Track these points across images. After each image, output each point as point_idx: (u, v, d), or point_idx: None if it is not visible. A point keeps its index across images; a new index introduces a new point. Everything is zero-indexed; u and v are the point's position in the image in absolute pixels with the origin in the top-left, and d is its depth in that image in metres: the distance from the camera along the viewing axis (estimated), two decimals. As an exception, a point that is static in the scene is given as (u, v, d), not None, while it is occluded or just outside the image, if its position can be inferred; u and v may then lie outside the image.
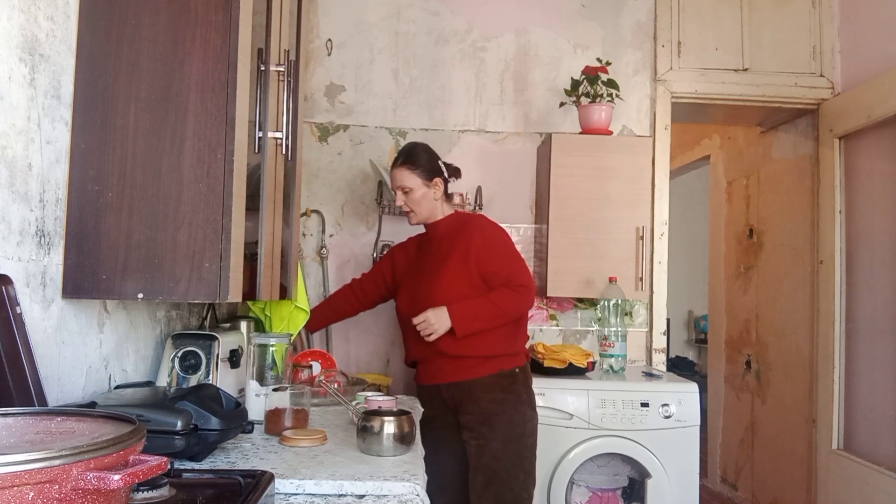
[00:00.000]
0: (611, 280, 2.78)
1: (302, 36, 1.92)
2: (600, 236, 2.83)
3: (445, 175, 2.30)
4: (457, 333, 2.09)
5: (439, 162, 2.30)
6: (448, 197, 2.35)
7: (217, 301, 1.29)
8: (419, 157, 2.26)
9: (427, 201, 2.26)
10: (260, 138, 1.52)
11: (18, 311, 1.11)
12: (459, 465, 2.18)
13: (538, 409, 2.27)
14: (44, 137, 1.23)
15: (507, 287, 2.15)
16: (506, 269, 2.18)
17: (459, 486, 2.18)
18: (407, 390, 2.79)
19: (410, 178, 2.24)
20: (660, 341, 3.16)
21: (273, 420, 1.69)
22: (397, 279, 2.42)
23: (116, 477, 0.63)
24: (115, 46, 1.30)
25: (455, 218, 2.33)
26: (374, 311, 3.01)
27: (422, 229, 2.41)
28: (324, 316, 2.55)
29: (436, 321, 2.09)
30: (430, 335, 2.10)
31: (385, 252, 2.96)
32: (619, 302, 2.78)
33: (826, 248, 3.19)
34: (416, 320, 2.11)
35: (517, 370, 2.21)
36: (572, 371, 2.65)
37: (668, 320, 3.27)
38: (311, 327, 2.53)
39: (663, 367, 3.12)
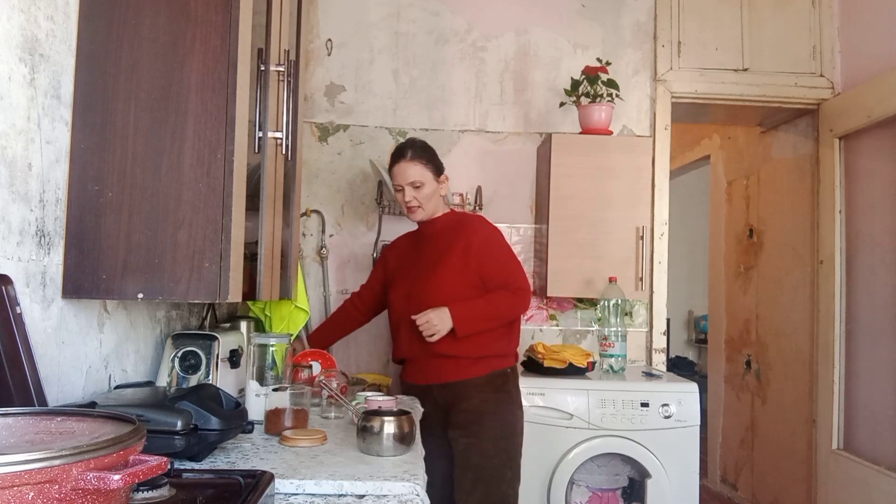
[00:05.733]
0: (611, 280, 2.78)
1: (302, 36, 1.92)
2: (600, 236, 2.83)
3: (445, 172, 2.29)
4: (457, 333, 2.08)
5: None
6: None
7: (217, 301, 1.29)
8: (428, 152, 2.23)
9: (436, 197, 2.23)
10: (260, 138, 1.52)
11: (18, 311, 1.11)
12: (447, 465, 2.15)
13: (535, 409, 2.29)
14: (44, 137, 1.23)
15: (505, 289, 2.15)
16: (505, 271, 2.18)
17: (445, 484, 2.15)
18: (406, 390, 2.78)
19: (423, 173, 2.19)
20: (660, 341, 3.16)
21: (273, 420, 1.69)
22: (389, 277, 2.38)
23: (116, 477, 0.63)
24: (115, 46, 1.30)
25: (451, 216, 2.30)
26: (374, 311, 3.03)
27: (412, 226, 2.39)
28: (325, 336, 2.56)
29: (438, 322, 2.07)
30: (431, 336, 2.08)
31: (383, 249, 2.96)
32: (619, 302, 2.78)
33: (826, 248, 3.19)
34: (418, 320, 2.08)
35: (509, 370, 2.22)
36: (572, 371, 2.65)
37: (668, 320, 3.27)
38: (315, 346, 2.51)
39: (663, 367, 3.12)
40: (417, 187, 2.18)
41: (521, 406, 2.23)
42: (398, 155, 2.22)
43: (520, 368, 2.43)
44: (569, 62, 3.16)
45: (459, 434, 2.14)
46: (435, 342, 2.10)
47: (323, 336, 2.54)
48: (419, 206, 2.20)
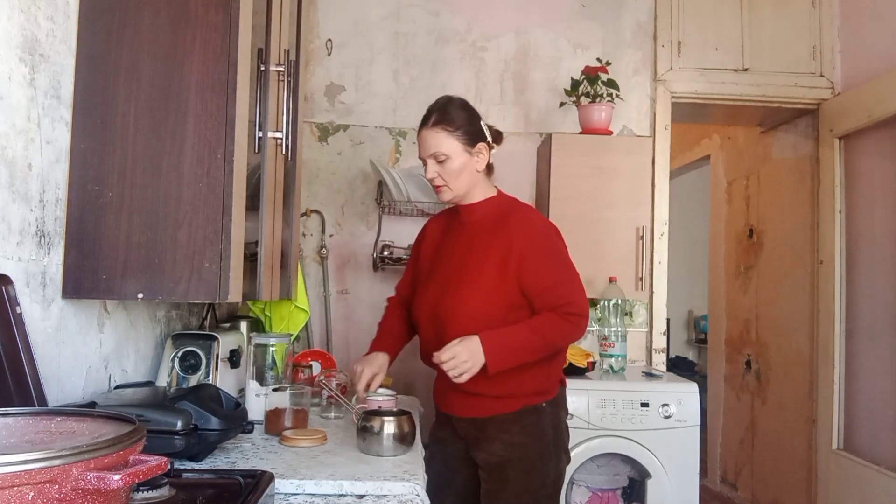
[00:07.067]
0: (611, 280, 2.78)
1: (302, 36, 1.92)
2: (600, 236, 2.83)
3: (489, 140, 1.79)
4: (488, 371, 1.61)
5: (482, 123, 1.79)
6: (489, 170, 1.83)
7: (217, 301, 1.29)
8: (459, 115, 1.74)
9: (468, 174, 1.75)
10: (260, 138, 1.52)
11: (18, 311, 1.11)
12: (468, 477, 1.83)
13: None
14: (44, 137, 1.23)
15: (555, 313, 1.66)
16: (556, 290, 1.68)
17: (468, 493, 1.85)
18: (407, 390, 2.78)
19: (448, 143, 1.72)
20: (660, 341, 3.16)
21: (273, 420, 1.69)
22: (417, 272, 1.94)
23: (116, 477, 0.63)
24: (115, 46, 1.30)
25: (498, 202, 1.81)
26: (374, 311, 3.02)
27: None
28: (395, 347, 1.93)
29: (468, 357, 1.59)
30: (459, 376, 1.60)
31: (383, 250, 2.96)
32: (619, 302, 2.78)
33: (826, 248, 3.19)
34: (442, 357, 1.60)
35: (544, 405, 1.75)
36: (572, 371, 2.65)
37: (668, 320, 3.26)
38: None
39: (663, 367, 3.11)
40: (441, 161, 1.73)
41: (560, 446, 1.78)
42: (423, 120, 1.78)
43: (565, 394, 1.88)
44: (569, 62, 3.16)
45: (483, 476, 1.78)
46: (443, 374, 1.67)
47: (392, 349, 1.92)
48: (445, 185, 1.75)
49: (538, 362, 1.70)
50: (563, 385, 1.85)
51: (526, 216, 1.76)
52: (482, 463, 1.77)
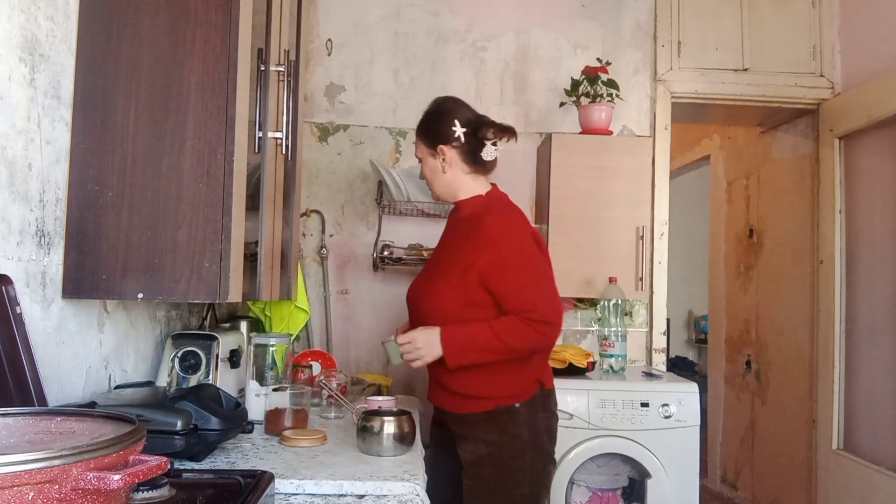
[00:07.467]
0: (611, 280, 2.78)
1: (302, 36, 1.92)
2: (600, 236, 2.83)
3: (462, 139, 1.82)
4: (447, 364, 1.70)
5: (454, 122, 1.82)
6: (481, 166, 1.87)
7: (217, 301, 1.29)
8: (429, 120, 1.87)
9: (437, 175, 1.86)
10: (260, 138, 1.52)
11: (18, 311, 1.11)
12: (455, 489, 1.82)
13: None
14: (44, 137, 1.23)
15: (518, 318, 1.68)
16: (519, 295, 1.70)
17: (452, 484, 1.85)
18: (407, 390, 2.78)
19: (419, 147, 1.89)
20: (660, 341, 3.16)
21: (273, 420, 1.69)
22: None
23: (116, 477, 0.63)
24: (115, 46, 1.30)
25: (481, 202, 1.86)
26: (374, 310, 3.03)
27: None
28: None
29: (423, 345, 1.70)
30: (414, 361, 1.73)
31: (383, 250, 2.95)
32: (619, 302, 2.78)
33: (826, 248, 3.19)
34: (399, 340, 1.74)
35: (517, 406, 1.75)
36: (572, 371, 2.65)
37: (668, 320, 3.26)
38: None
39: (663, 367, 3.11)
40: (421, 164, 1.91)
41: (536, 446, 1.77)
42: None
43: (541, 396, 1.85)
44: (569, 62, 3.16)
45: (463, 474, 1.80)
46: (434, 369, 1.77)
47: None
48: (429, 185, 1.93)
49: (510, 364, 1.73)
50: (543, 387, 1.83)
51: (498, 218, 1.78)
52: (462, 461, 1.80)
